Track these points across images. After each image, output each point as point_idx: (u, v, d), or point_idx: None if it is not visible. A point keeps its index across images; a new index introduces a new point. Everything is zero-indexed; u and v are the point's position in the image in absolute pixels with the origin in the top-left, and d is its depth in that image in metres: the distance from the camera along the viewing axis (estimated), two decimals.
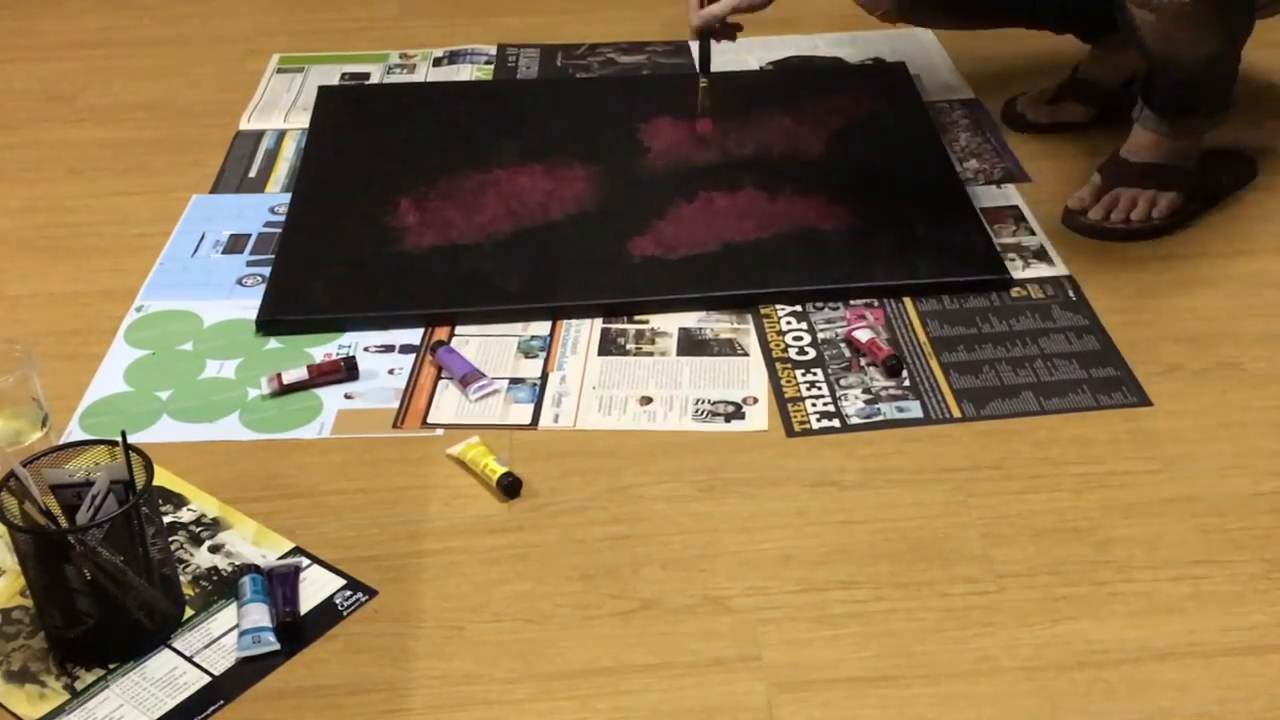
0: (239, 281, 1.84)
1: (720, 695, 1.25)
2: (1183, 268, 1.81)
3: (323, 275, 1.81)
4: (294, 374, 1.64)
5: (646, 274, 1.79)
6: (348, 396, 1.62)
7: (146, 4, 2.64)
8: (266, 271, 1.84)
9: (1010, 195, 1.97)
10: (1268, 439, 1.52)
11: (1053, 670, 1.26)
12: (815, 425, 1.56)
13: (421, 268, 1.82)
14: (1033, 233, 1.87)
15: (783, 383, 1.62)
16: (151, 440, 1.54)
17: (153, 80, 2.37)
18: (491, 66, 2.37)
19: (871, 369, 1.64)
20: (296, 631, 1.31)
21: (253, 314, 1.76)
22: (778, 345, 1.69)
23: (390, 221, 1.91)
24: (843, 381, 1.62)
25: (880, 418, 1.57)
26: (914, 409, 1.58)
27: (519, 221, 1.90)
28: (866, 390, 1.61)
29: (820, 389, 1.61)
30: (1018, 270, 1.80)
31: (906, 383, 1.62)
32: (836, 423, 1.56)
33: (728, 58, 2.27)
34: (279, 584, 1.34)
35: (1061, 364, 1.64)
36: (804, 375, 1.64)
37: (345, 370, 1.64)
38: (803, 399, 1.60)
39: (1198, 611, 1.32)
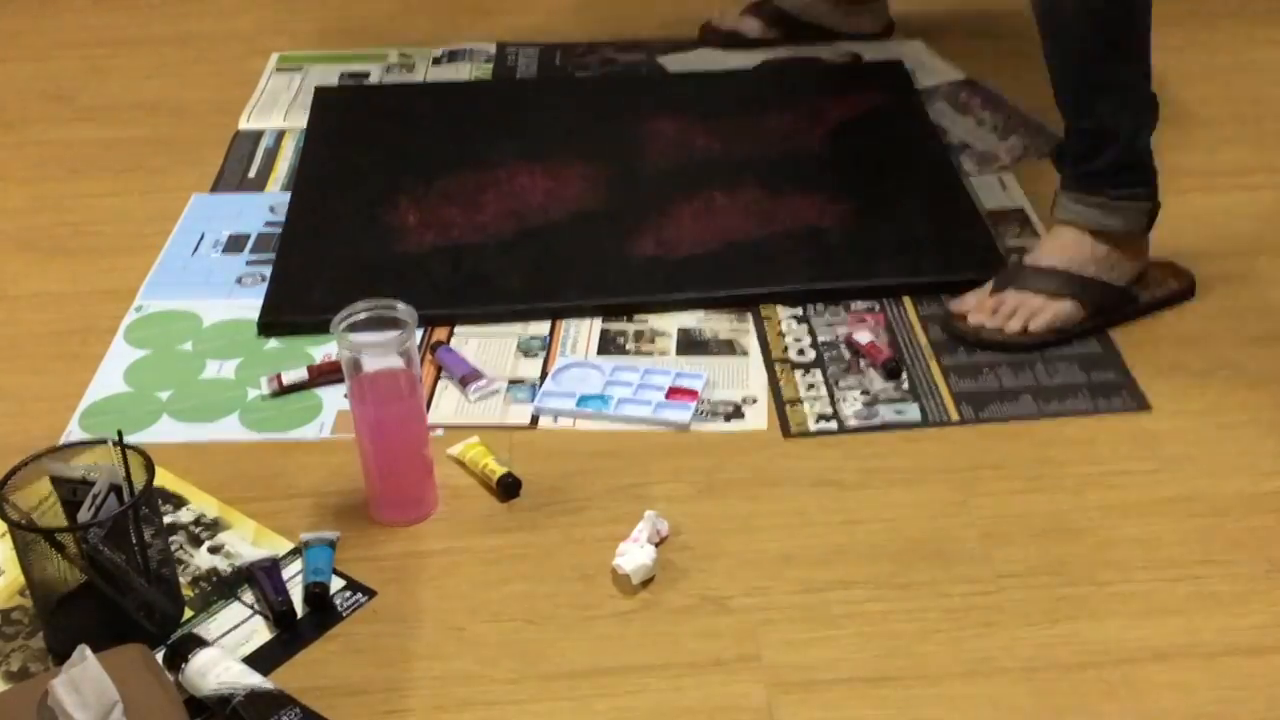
0: (238, 281, 1.83)
1: (720, 695, 1.25)
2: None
3: (323, 276, 1.81)
4: (294, 374, 1.64)
5: (647, 273, 1.79)
6: (349, 397, 1.61)
7: (146, 4, 2.63)
8: (266, 271, 1.84)
9: (1015, 198, 1.96)
10: (1268, 439, 1.52)
11: (1053, 670, 1.26)
12: (812, 427, 1.56)
13: (422, 268, 1.82)
14: (1037, 235, 1.86)
15: (781, 384, 1.62)
16: (151, 440, 1.54)
17: (153, 80, 2.37)
18: (490, 65, 2.37)
19: (871, 371, 1.64)
20: (293, 619, 1.32)
21: (252, 314, 1.75)
22: (777, 346, 1.68)
23: (390, 221, 1.91)
24: (842, 383, 1.62)
25: (878, 420, 1.56)
26: (912, 412, 1.57)
27: (519, 221, 1.90)
28: (865, 392, 1.61)
29: (819, 390, 1.61)
30: None
31: (906, 385, 1.61)
32: (834, 425, 1.56)
33: (728, 61, 2.27)
34: (265, 576, 1.35)
35: (1062, 366, 1.63)
36: (803, 376, 1.63)
37: None
38: (801, 400, 1.60)
39: (1198, 611, 1.32)
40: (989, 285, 1.70)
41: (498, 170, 2.02)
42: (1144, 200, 1.66)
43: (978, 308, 1.68)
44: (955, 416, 1.56)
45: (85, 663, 1.11)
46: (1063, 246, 1.67)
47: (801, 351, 1.67)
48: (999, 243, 1.84)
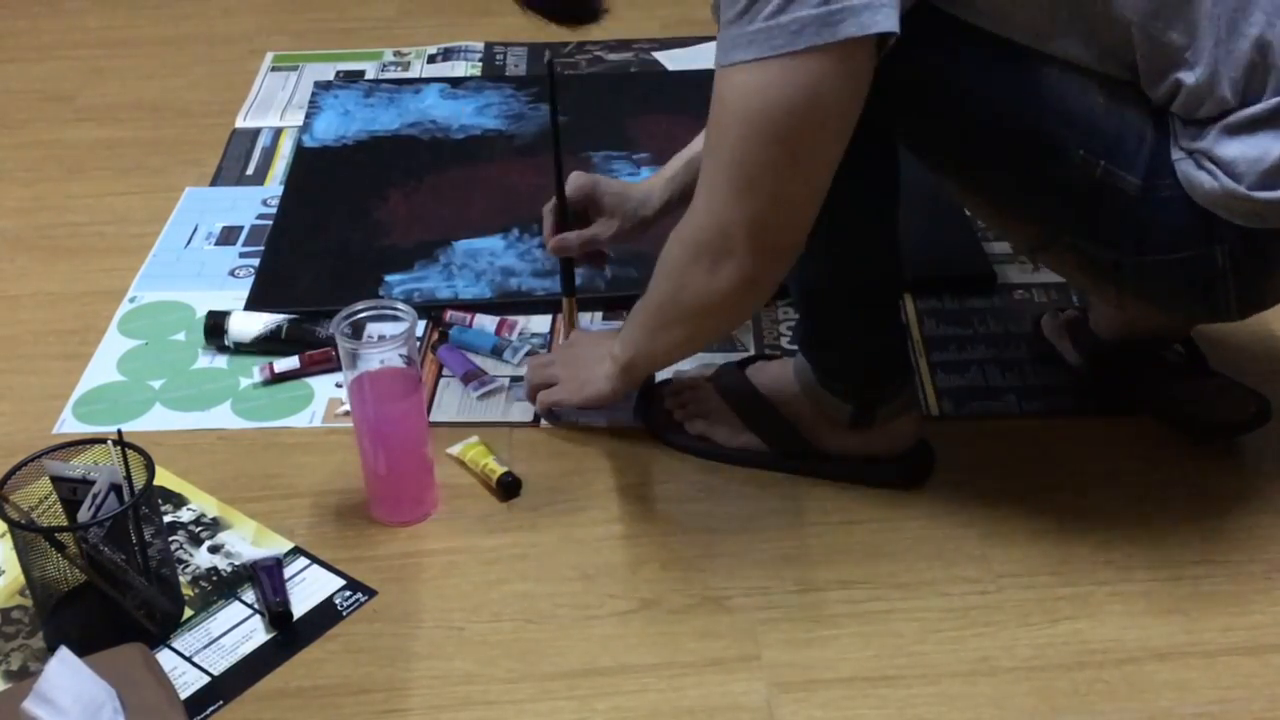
0: (231, 273, 1.84)
1: (720, 695, 1.25)
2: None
3: (311, 268, 1.81)
4: (286, 362, 1.64)
5: (634, 268, 1.79)
6: (339, 385, 1.62)
7: (146, 4, 2.63)
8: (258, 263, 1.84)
9: None
10: (1266, 438, 1.52)
11: (1052, 670, 1.26)
12: None
13: (409, 261, 1.82)
14: None
15: None
16: (144, 429, 1.55)
17: (152, 80, 2.37)
18: (480, 63, 2.37)
19: None
20: (288, 620, 1.32)
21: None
22: (770, 334, 1.68)
23: (380, 215, 1.91)
24: None
25: None
26: None
27: (508, 216, 1.90)
28: None
29: None
30: (1026, 273, 1.79)
31: None
32: None
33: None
34: (266, 575, 1.35)
35: (1050, 368, 1.63)
36: None
37: (336, 359, 1.63)
38: None
39: (1198, 611, 1.32)
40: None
41: (486, 166, 2.02)
42: (850, 402, 1.44)
43: (677, 389, 1.55)
44: (935, 411, 1.57)
45: (48, 670, 1.09)
46: (775, 377, 1.51)
47: (793, 341, 1.67)
48: (988, 245, 1.85)
